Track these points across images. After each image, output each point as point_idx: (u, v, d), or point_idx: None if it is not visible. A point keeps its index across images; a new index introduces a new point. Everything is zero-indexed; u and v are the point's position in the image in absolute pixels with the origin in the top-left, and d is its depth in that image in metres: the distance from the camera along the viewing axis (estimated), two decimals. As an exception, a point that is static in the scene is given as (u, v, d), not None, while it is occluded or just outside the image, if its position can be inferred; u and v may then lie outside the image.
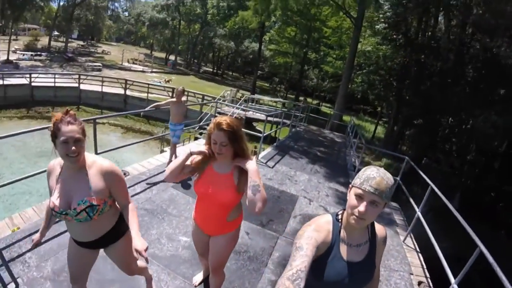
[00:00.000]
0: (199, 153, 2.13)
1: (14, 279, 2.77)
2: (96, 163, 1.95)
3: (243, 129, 2.15)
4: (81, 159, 1.87)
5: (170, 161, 6.09)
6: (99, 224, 2.00)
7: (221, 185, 2.13)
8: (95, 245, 2.12)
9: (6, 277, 2.76)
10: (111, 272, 3.12)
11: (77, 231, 2.02)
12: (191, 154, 2.11)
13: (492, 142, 15.68)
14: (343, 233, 1.46)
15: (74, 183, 1.90)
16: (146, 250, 1.74)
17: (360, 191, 1.33)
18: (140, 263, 2.61)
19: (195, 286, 3.19)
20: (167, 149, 8.10)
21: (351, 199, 1.38)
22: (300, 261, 1.19)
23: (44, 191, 8.88)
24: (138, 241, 1.79)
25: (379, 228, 1.60)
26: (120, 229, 2.15)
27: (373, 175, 1.32)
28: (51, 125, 1.78)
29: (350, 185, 1.43)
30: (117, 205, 2.10)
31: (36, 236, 2.28)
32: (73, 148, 1.76)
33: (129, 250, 2.02)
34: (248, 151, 2.16)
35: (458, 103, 15.69)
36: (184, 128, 7.44)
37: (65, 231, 3.55)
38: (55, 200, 1.87)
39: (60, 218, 1.95)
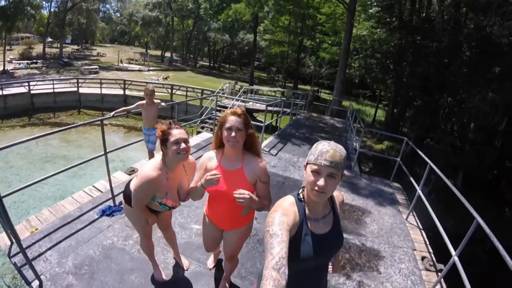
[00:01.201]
0: (212, 181, 2.01)
1: (37, 276, 2.95)
2: (188, 160, 2.40)
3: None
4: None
5: None
6: None
7: (233, 183, 2.11)
8: None
9: (30, 275, 2.96)
10: (129, 262, 3.32)
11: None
12: (203, 187, 2.11)
13: (491, 119, 15.74)
14: (308, 211, 1.51)
15: (181, 179, 2.44)
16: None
17: (316, 167, 1.37)
18: None
19: (210, 269, 3.38)
20: None
21: (309, 175, 1.41)
22: (279, 247, 1.20)
23: (53, 195, 9.13)
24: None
25: (336, 195, 1.70)
26: None
27: (326, 149, 1.37)
28: (160, 131, 2.20)
29: (305, 163, 1.47)
30: None
31: None
32: (183, 146, 2.19)
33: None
34: (259, 144, 2.22)
35: (455, 82, 15.72)
36: (186, 124, 7.28)
37: (81, 229, 3.75)
38: (174, 198, 2.40)
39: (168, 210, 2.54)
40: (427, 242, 4.87)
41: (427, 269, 4.11)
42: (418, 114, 18.59)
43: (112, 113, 5.38)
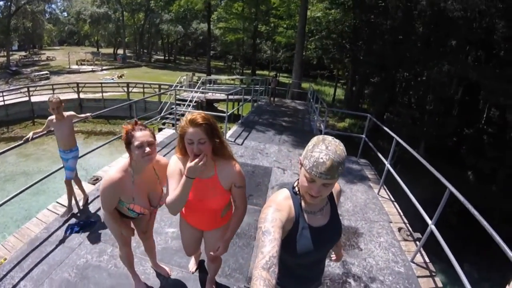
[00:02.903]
0: (198, 168, 1.74)
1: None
2: (160, 161, 2.30)
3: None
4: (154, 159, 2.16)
5: (70, 204, 4.32)
6: None
7: (208, 192, 2.00)
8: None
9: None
10: (108, 280, 3.15)
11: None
12: (191, 178, 1.76)
13: (448, 90, 16.45)
14: (304, 204, 1.44)
15: (149, 185, 2.28)
16: None
17: (310, 176, 1.27)
18: None
19: (193, 273, 3.24)
20: None
21: (303, 180, 1.33)
22: (271, 246, 1.16)
23: (18, 216, 8.80)
24: None
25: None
26: None
27: (323, 159, 1.21)
28: (125, 132, 2.05)
29: (300, 161, 1.34)
30: None
31: None
32: (148, 150, 2.03)
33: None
34: (228, 147, 2.01)
35: (411, 57, 16.27)
36: (147, 122, 6.71)
37: (51, 251, 3.51)
38: (143, 204, 2.26)
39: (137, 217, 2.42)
40: (401, 214, 5.02)
41: (405, 240, 4.23)
42: (377, 90, 19.17)
43: (29, 135, 4.13)
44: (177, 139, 1.93)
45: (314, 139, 1.31)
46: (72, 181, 4.35)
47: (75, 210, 4.29)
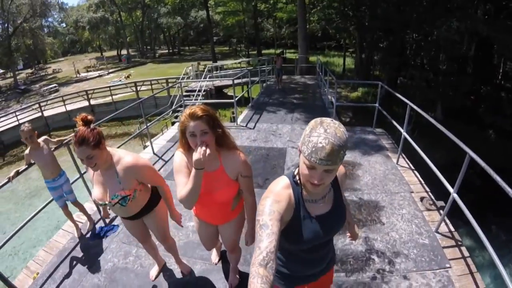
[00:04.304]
0: (205, 158, 1.73)
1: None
2: (122, 159, 2.24)
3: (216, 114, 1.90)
4: (102, 162, 2.16)
5: (89, 215, 4.32)
6: (134, 204, 2.38)
7: (216, 185, 1.99)
8: (136, 217, 2.54)
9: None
10: (135, 280, 3.26)
11: (119, 212, 2.45)
12: (201, 168, 1.75)
13: (460, 48, 15.83)
14: (305, 192, 1.38)
15: (107, 179, 2.24)
16: (181, 218, 2.64)
17: (310, 163, 1.19)
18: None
19: (216, 264, 3.31)
20: (149, 143, 6.98)
21: (303, 168, 1.25)
22: (268, 241, 1.13)
23: (49, 227, 9.08)
24: (174, 213, 2.61)
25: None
26: (153, 202, 2.56)
27: (322, 144, 1.13)
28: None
29: (299, 148, 1.25)
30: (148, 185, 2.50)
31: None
32: (87, 163, 2.07)
33: (163, 217, 2.70)
34: (231, 137, 1.98)
35: (418, 18, 15.65)
36: (159, 118, 6.60)
37: (80, 260, 3.66)
38: (95, 194, 2.27)
39: (102, 207, 2.69)
40: (422, 182, 4.86)
41: (428, 209, 4.10)
42: (386, 55, 18.61)
43: (11, 173, 3.73)
44: (179, 134, 1.90)
45: (312, 123, 1.22)
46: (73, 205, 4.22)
47: (98, 217, 4.40)
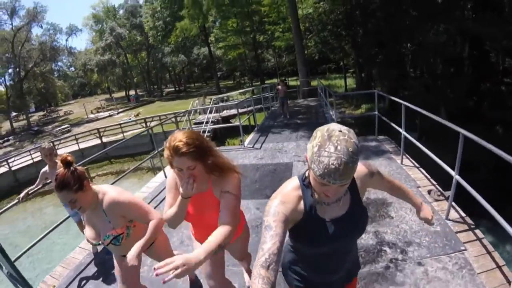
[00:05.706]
0: (192, 192, 1.66)
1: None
2: (106, 195, 2.11)
3: (206, 140, 1.76)
4: (88, 204, 2.05)
5: None
6: (130, 242, 2.12)
7: (205, 207, 1.87)
8: None
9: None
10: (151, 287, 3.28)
11: (115, 251, 2.29)
12: (187, 197, 1.69)
13: (452, 50, 16.05)
14: (316, 195, 1.29)
15: (96, 220, 2.13)
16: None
17: (323, 183, 1.10)
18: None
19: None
20: (161, 173, 7.18)
21: (315, 183, 1.19)
22: (271, 242, 1.13)
23: (68, 241, 9.41)
24: (131, 253, 2.01)
25: (358, 169, 1.30)
26: None
27: (334, 165, 1.03)
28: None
29: (308, 163, 1.16)
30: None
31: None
32: (71, 207, 1.98)
33: (164, 249, 2.54)
34: (225, 159, 1.81)
35: (407, 27, 16.02)
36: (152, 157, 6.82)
37: (96, 272, 3.77)
38: (87, 234, 2.15)
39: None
40: (429, 177, 4.92)
41: (436, 200, 4.16)
42: (383, 69, 18.88)
43: (22, 194, 3.97)
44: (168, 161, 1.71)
45: (318, 135, 1.11)
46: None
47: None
